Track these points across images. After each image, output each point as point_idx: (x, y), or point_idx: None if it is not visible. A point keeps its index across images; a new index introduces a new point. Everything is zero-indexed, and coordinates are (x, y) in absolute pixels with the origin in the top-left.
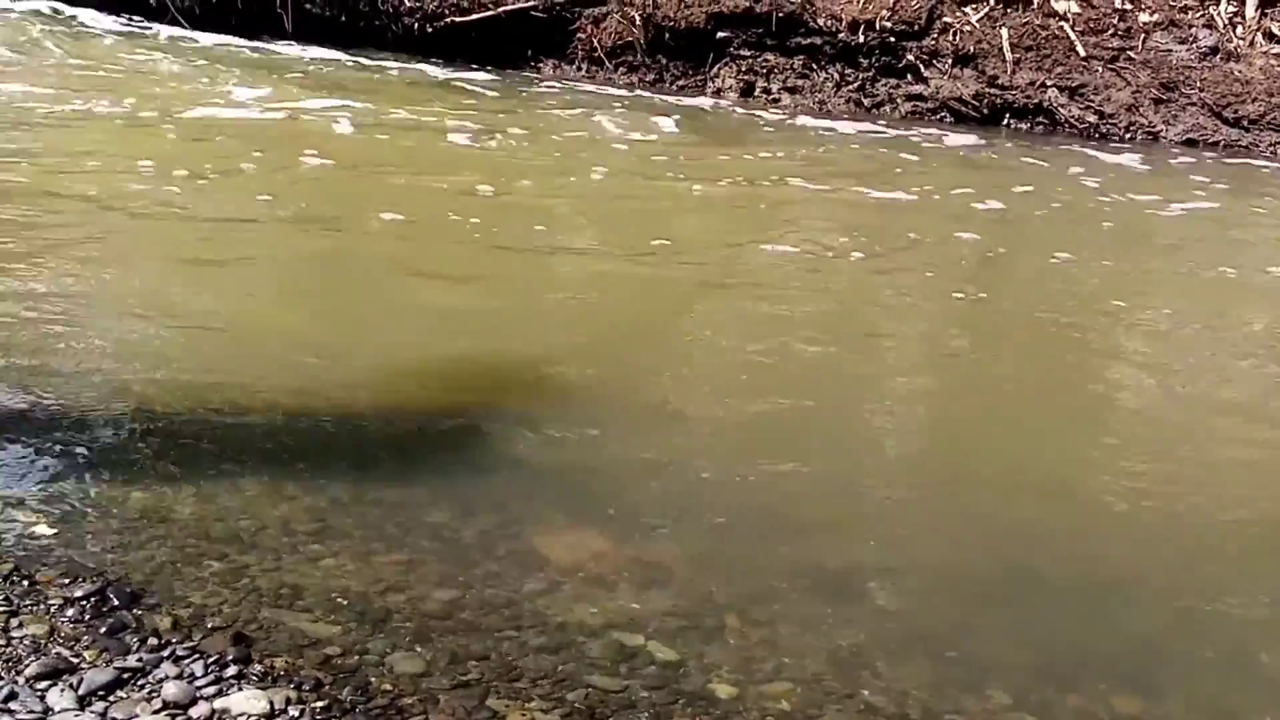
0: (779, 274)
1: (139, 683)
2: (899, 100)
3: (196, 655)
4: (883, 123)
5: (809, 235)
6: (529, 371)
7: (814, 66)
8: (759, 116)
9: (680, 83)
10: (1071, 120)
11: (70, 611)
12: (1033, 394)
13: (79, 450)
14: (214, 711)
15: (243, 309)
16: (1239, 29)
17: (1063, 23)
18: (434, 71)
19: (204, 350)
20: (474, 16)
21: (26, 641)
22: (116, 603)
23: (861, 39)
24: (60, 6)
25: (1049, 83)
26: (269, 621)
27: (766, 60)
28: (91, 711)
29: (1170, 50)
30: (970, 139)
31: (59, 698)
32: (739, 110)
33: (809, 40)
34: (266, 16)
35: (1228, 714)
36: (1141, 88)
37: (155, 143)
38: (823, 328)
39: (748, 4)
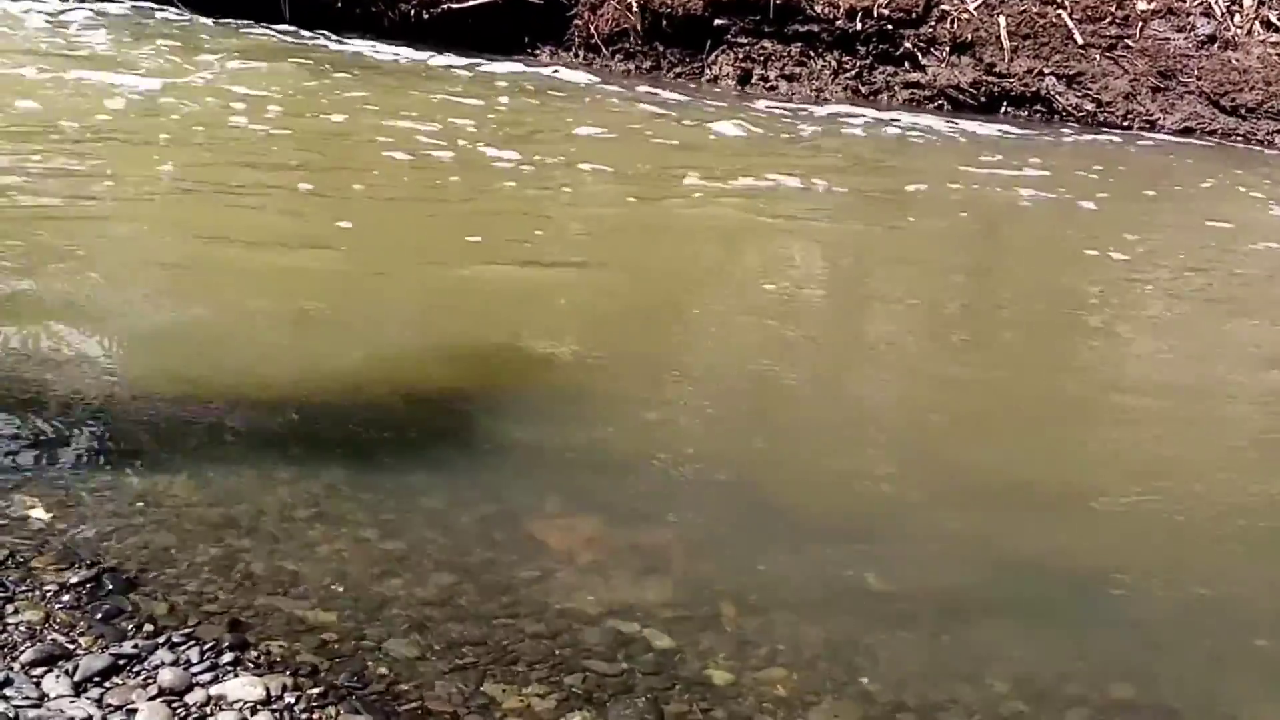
0: (782, 261)
1: (135, 669)
2: (896, 88)
3: (192, 642)
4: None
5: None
6: (526, 358)
7: (811, 54)
8: None
9: (677, 70)
10: (1069, 108)
11: (66, 597)
12: (1029, 388)
13: (75, 436)
14: (210, 698)
15: (239, 293)
16: (1237, 17)
17: (1060, 10)
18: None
19: (200, 336)
20: (471, 3)
21: (22, 628)
22: (112, 589)
23: (859, 26)
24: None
25: (1046, 71)
26: (265, 607)
27: (764, 47)
28: (87, 698)
29: (1168, 38)
30: None
31: (54, 684)
32: None
33: (806, 27)
34: (263, 2)
35: (1223, 701)
36: (1139, 76)
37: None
38: (824, 316)
39: None
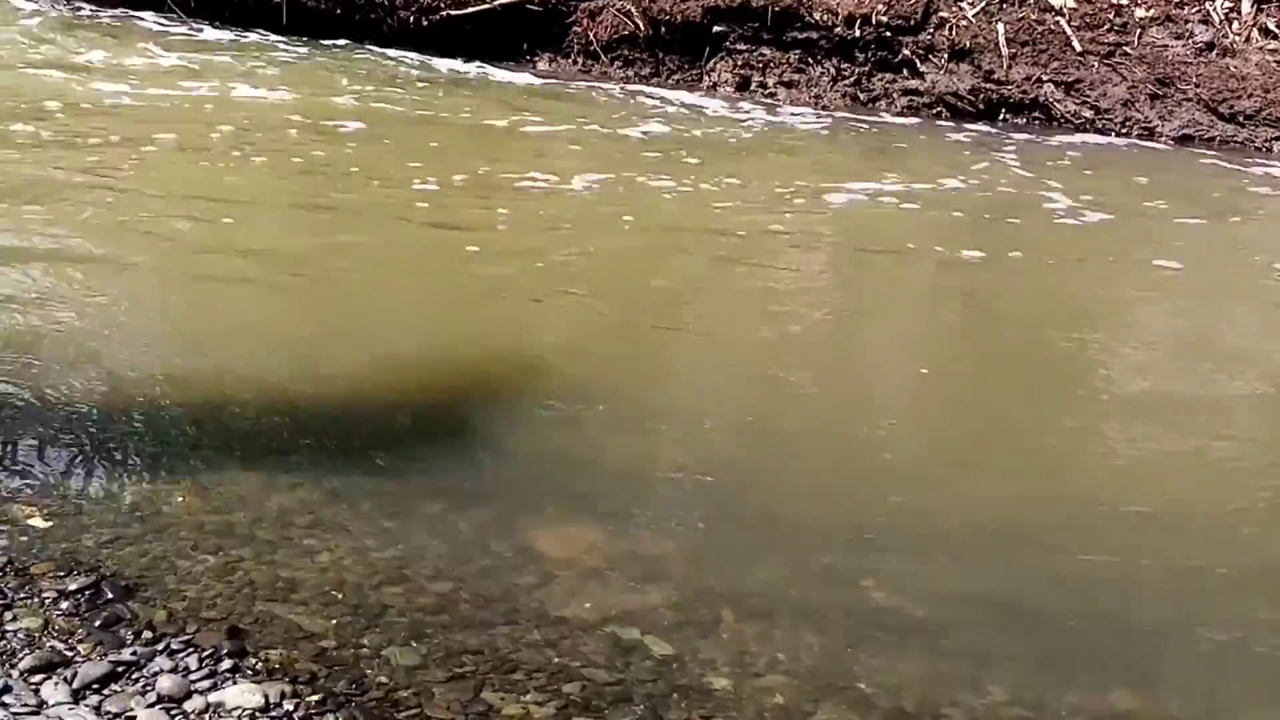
0: (779, 268)
1: (133, 676)
2: (895, 95)
3: (191, 649)
4: None
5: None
6: (525, 365)
7: (810, 60)
8: None
9: (676, 76)
10: (1067, 115)
11: (65, 605)
12: (1027, 393)
13: (73, 444)
14: (208, 705)
15: (238, 301)
16: (1235, 24)
17: (1059, 18)
18: None
19: (198, 343)
20: (470, 9)
21: (21, 635)
22: (111, 596)
23: (857, 33)
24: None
25: (1045, 78)
26: (263, 615)
27: (763, 54)
28: (86, 705)
29: (1166, 45)
30: None
31: (53, 691)
32: None
33: (805, 34)
34: (262, 9)
35: (1223, 708)
36: (1137, 83)
37: None
38: (821, 323)
39: None
